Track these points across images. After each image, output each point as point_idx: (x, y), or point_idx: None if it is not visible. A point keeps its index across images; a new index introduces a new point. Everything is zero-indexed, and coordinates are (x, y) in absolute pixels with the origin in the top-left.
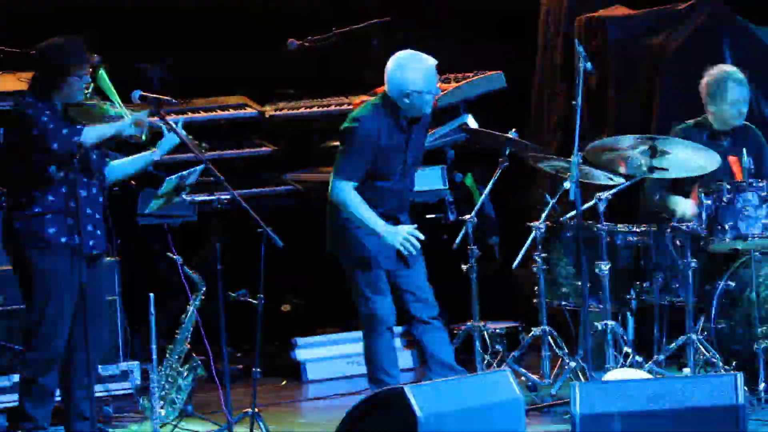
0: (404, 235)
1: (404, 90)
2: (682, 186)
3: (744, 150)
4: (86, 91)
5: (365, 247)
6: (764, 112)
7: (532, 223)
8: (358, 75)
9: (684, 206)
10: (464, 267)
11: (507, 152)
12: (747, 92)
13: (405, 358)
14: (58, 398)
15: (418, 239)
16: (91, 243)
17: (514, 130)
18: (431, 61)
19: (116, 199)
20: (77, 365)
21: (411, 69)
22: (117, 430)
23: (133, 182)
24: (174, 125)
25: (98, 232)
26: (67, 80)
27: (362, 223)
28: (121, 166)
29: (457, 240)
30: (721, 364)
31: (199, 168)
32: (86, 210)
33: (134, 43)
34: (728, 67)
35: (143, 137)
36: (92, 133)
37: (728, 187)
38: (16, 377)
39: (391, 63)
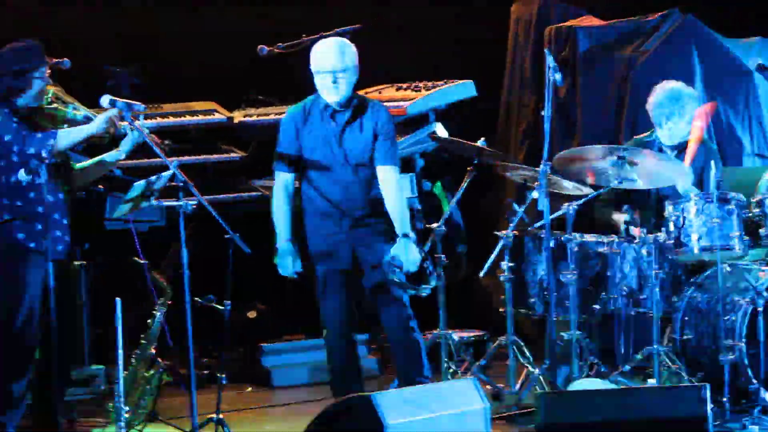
0: (279, 261)
1: (312, 71)
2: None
3: (712, 162)
4: (47, 96)
5: (314, 245)
6: (732, 123)
7: (499, 232)
8: None
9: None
10: None
11: (476, 161)
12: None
13: (369, 365)
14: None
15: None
16: (59, 248)
17: (483, 139)
18: (329, 42)
19: (84, 203)
20: (49, 371)
21: (312, 50)
22: None
23: (101, 186)
24: (142, 129)
25: (66, 237)
26: (30, 84)
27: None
28: (87, 168)
29: (425, 248)
30: (686, 375)
31: (167, 173)
32: (54, 215)
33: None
34: (680, 84)
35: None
36: (66, 137)
37: (696, 198)
38: None
39: None
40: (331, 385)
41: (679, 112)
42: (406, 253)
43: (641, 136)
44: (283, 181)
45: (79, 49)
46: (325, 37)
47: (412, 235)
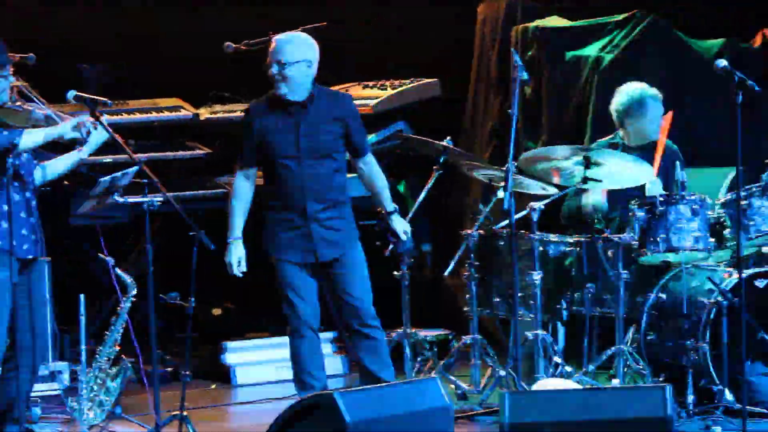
0: (231, 262)
1: None
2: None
3: (677, 163)
4: (12, 93)
5: (275, 239)
6: (697, 124)
7: (464, 232)
8: None
9: (590, 196)
10: (396, 274)
11: (441, 160)
12: (662, 108)
13: (335, 364)
14: None
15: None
16: (25, 247)
17: (448, 138)
18: (284, 35)
19: (48, 199)
20: (18, 369)
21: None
22: (45, 431)
23: (66, 182)
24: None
25: (33, 236)
26: None
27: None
28: (51, 167)
29: (390, 247)
30: (650, 375)
31: (132, 170)
32: (20, 214)
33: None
34: (642, 85)
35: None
36: (30, 138)
37: (661, 199)
38: None
39: None
40: (295, 381)
41: (641, 112)
42: (402, 225)
43: (605, 138)
44: (243, 176)
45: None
46: None
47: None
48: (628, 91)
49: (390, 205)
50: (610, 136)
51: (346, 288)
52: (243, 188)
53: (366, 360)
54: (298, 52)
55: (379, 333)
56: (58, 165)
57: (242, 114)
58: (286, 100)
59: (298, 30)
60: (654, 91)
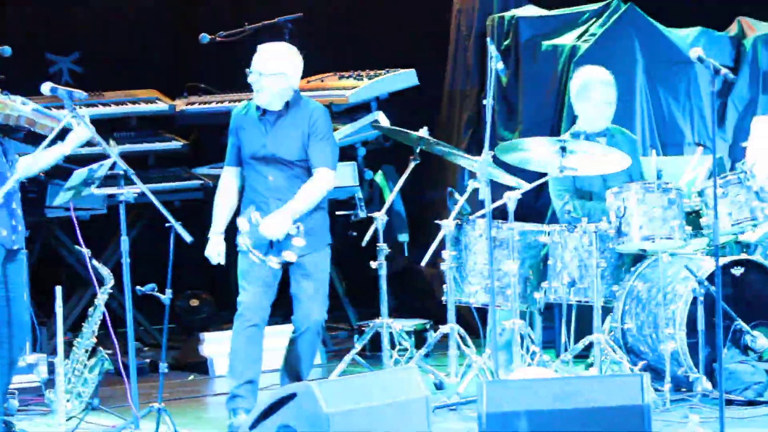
0: (209, 255)
1: None
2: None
3: (653, 151)
4: None
5: (242, 229)
6: (672, 112)
7: (441, 221)
8: None
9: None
10: (373, 264)
11: (418, 150)
12: (613, 94)
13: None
14: None
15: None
16: (13, 238)
17: (425, 127)
18: (269, 45)
19: (24, 190)
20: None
21: None
22: (22, 423)
23: (42, 174)
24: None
25: (19, 227)
26: None
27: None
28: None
29: (367, 237)
30: (627, 364)
31: (108, 161)
32: (11, 205)
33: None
34: (596, 68)
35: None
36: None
37: (637, 188)
38: None
39: None
40: (229, 367)
41: (586, 96)
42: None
43: (570, 130)
44: (228, 174)
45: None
46: (267, 25)
47: (292, 217)
48: (578, 74)
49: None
50: (572, 127)
51: (302, 289)
52: (226, 185)
53: (298, 358)
54: (274, 64)
55: (319, 341)
56: (41, 160)
57: (219, 106)
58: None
59: (274, 21)
60: (604, 76)
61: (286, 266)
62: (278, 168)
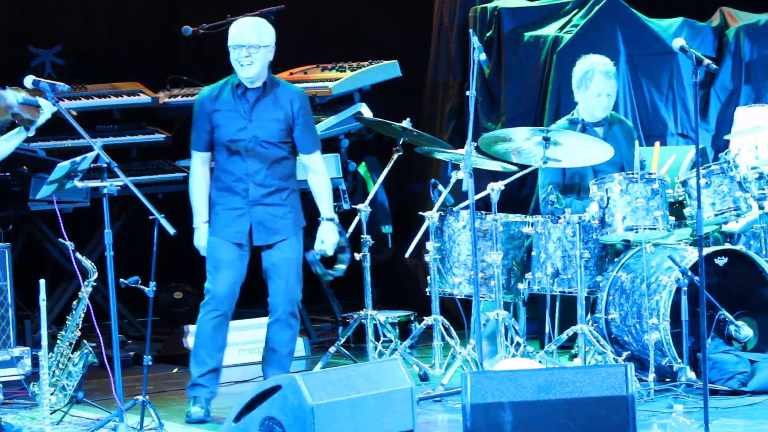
0: (200, 246)
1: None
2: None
3: (636, 142)
4: None
5: (215, 218)
6: (656, 103)
7: (425, 213)
8: None
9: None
10: (357, 256)
11: (401, 141)
12: (613, 85)
13: (297, 345)
14: None
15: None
16: None
17: (408, 119)
18: (247, 19)
19: (8, 184)
20: None
21: (231, 27)
22: (7, 416)
23: (25, 167)
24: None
25: None
26: None
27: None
28: None
29: (351, 229)
30: (611, 354)
31: (91, 154)
32: None
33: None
34: (598, 58)
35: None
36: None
37: (620, 178)
38: None
39: None
40: (192, 354)
41: (586, 85)
42: (330, 236)
43: (567, 116)
44: (199, 160)
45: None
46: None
47: (336, 218)
48: (581, 61)
49: (325, 212)
50: (570, 115)
51: (277, 274)
52: (200, 172)
53: (272, 346)
54: (265, 37)
55: (297, 325)
56: (4, 146)
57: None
58: (244, 85)
59: (257, 13)
60: (607, 66)
61: (257, 252)
62: (257, 151)
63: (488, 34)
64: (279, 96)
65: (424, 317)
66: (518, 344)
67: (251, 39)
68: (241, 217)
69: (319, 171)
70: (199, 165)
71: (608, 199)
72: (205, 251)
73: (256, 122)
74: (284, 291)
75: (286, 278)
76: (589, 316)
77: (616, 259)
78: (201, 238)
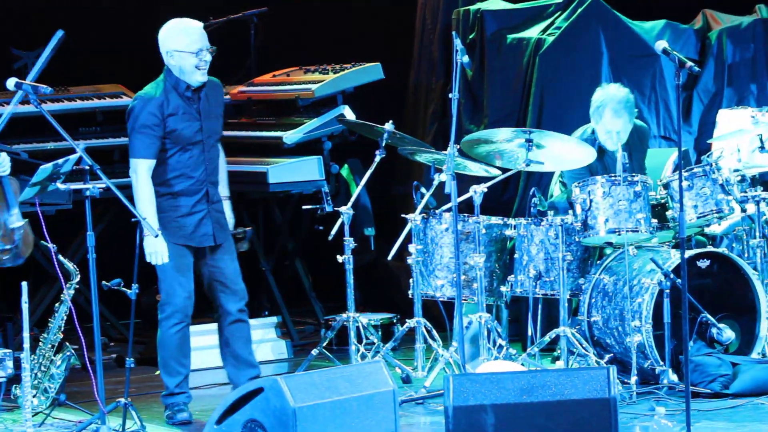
0: (156, 252)
1: (166, 50)
2: None
3: (620, 145)
4: None
5: (171, 224)
6: (638, 105)
7: (407, 215)
8: (235, 64)
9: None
10: (340, 258)
11: (383, 144)
12: (625, 121)
13: (280, 348)
14: None
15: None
16: None
17: (390, 121)
18: (193, 23)
19: None
20: None
21: (170, 28)
22: None
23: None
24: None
25: None
26: None
27: (139, 206)
28: None
29: (333, 231)
30: (594, 357)
31: (73, 156)
32: None
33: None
34: (613, 90)
35: None
36: None
37: (603, 180)
38: None
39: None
40: (161, 366)
41: (598, 116)
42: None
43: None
44: (147, 168)
45: None
46: (233, 19)
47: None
48: (598, 91)
49: (227, 190)
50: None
51: (230, 273)
52: (148, 180)
53: (238, 345)
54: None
55: (247, 317)
56: None
57: (133, 104)
58: (191, 86)
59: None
60: (619, 103)
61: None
62: (209, 150)
63: (471, 37)
64: (214, 93)
65: (407, 320)
66: (501, 347)
67: (206, 41)
68: (202, 220)
69: (223, 157)
70: (146, 173)
71: (591, 201)
72: (165, 260)
73: (206, 122)
74: (237, 290)
75: (236, 277)
76: (571, 318)
77: (598, 262)
78: (158, 245)
